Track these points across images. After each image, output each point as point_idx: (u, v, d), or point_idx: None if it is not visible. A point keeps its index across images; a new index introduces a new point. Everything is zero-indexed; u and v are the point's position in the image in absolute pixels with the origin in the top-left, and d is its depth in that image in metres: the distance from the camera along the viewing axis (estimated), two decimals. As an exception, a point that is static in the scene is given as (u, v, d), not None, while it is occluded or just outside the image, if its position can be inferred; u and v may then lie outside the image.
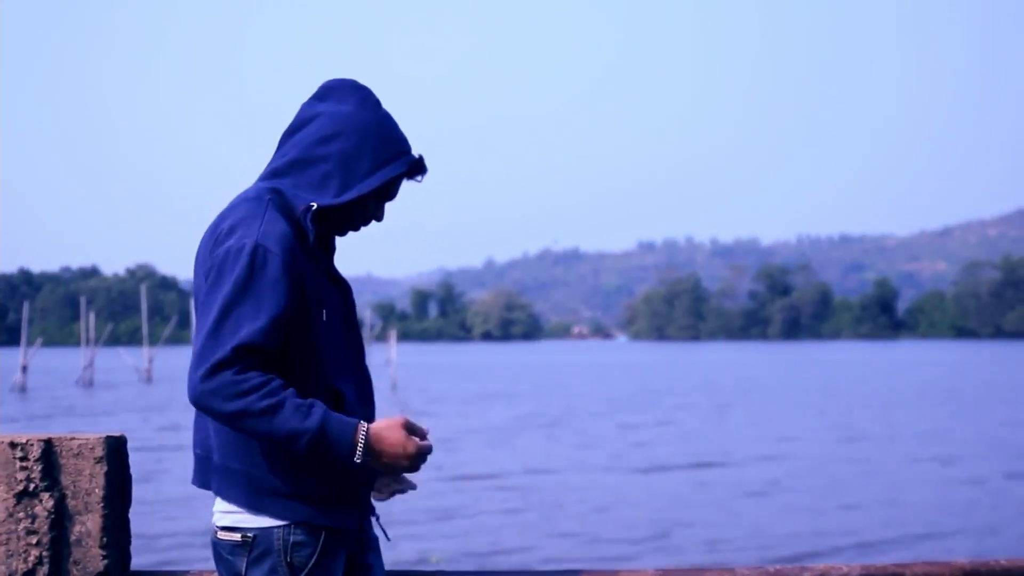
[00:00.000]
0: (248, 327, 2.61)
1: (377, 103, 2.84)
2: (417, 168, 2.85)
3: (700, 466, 19.78)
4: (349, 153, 2.77)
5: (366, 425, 2.64)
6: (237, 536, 2.70)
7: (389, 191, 2.85)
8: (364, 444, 2.61)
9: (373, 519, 2.92)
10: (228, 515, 2.72)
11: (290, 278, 2.67)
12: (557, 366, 76.78)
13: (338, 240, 2.91)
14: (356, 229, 2.88)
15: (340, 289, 2.85)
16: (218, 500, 2.75)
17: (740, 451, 22.17)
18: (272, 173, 2.80)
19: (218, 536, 2.74)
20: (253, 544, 2.69)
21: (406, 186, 2.90)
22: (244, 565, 2.69)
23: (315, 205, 2.74)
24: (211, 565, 2.91)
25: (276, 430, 2.57)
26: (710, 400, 37.77)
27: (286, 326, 2.66)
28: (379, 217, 2.88)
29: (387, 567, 3.00)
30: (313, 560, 2.69)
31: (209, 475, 2.76)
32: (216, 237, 2.71)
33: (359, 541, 2.85)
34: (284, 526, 2.68)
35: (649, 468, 19.64)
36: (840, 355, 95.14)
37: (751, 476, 18.57)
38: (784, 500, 16.19)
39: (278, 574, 2.68)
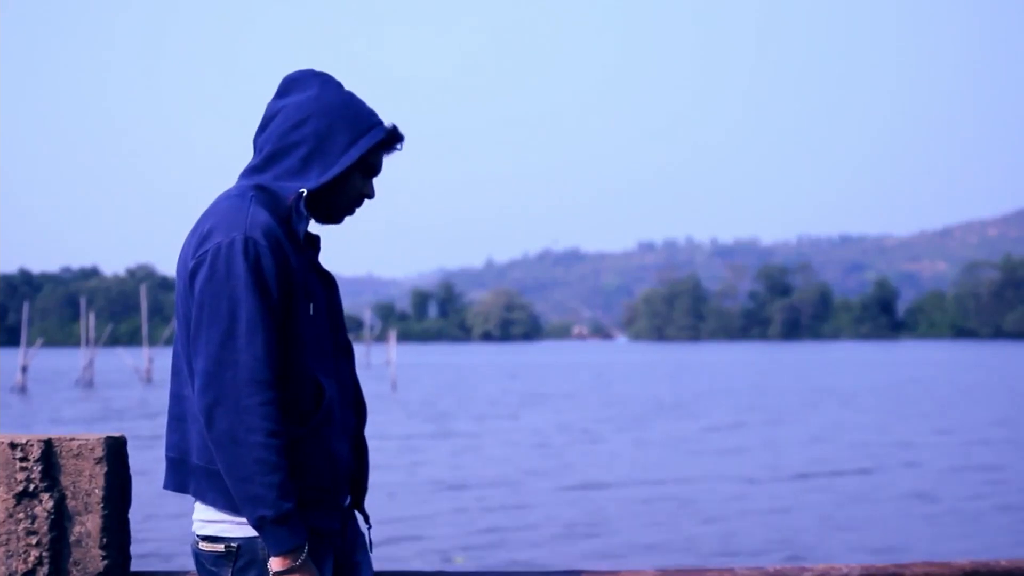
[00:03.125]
0: (263, 337, 2.59)
1: (339, 84, 2.82)
2: (394, 137, 2.82)
3: (823, 474, 18.72)
4: (323, 133, 2.74)
5: (305, 550, 2.59)
6: (220, 547, 2.64)
7: (373, 165, 2.82)
8: (293, 565, 2.57)
9: (366, 528, 2.91)
10: (210, 524, 2.67)
11: (279, 270, 2.64)
12: (574, 367, 75.60)
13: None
14: (350, 212, 2.85)
15: (326, 284, 2.82)
16: (197, 507, 2.70)
17: (854, 455, 21.21)
18: (252, 171, 2.78)
19: (200, 547, 2.68)
20: (237, 554, 2.63)
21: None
22: None
23: (305, 191, 2.71)
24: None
25: (251, 480, 2.54)
26: (767, 401, 36.92)
27: (281, 319, 2.66)
28: (370, 194, 2.85)
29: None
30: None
31: (187, 478, 2.70)
32: (201, 235, 2.67)
33: (346, 540, 2.84)
34: None
35: (772, 476, 18.49)
36: (845, 355, 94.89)
37: (882, 482, 17.81)
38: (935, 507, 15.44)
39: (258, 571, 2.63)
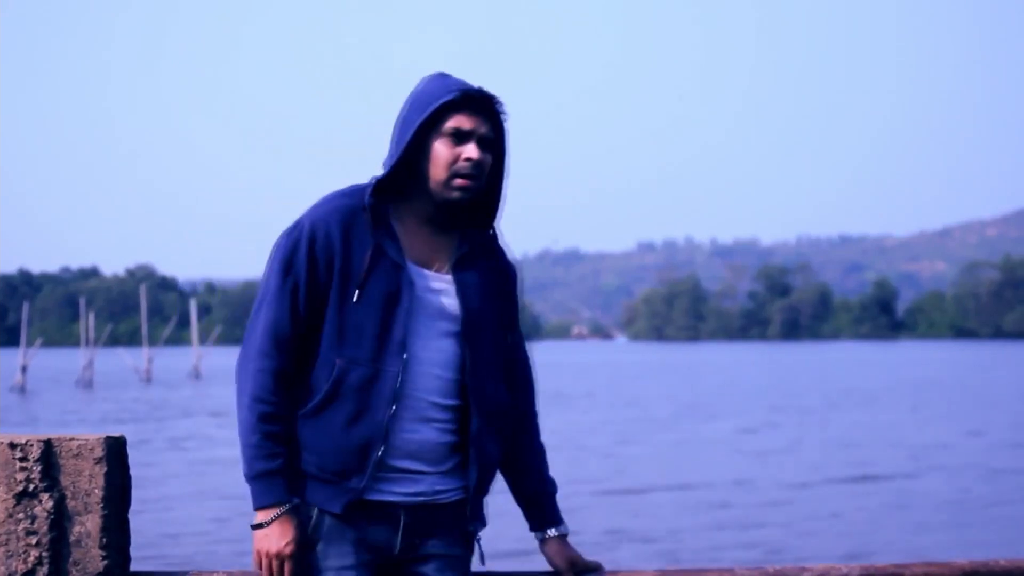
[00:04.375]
0: (275, 311, 2.79)
1: (432, 76, 2.88)
2: (477, 99, 2.82)
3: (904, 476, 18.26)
4: (402, 118, 2.85)
5: (278, 511, 2.76)
6: None
7: (457, 129, 2.82)
8: (263, 521, 2.77)
9: (476, 541, 2.93)
10: None
11: (316, 255, 2.78)
12: (581, 367, 74.88)
13: None
14: (458, 182, 2.82)
15: (396, 274, 2.80)
16: None
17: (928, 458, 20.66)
18: None
19: None
20: None
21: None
22: None
23: (375, 178, 2.83)
24: (211, 566, 2.91)
25: (240, 437, 2.80)
26: (791, 401, 36.40)
27: (308, 300, 2.80)
28: (471, 154, 2.81)
29: None
30: (320, 540, 2.80)
31: None
32: None
33: (411, 549, 2.84)
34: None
35: (850, 478, 17.98)
36: (846, 355, 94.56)
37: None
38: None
39: None
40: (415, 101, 2.83)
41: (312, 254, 2.77)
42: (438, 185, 2.82)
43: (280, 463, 2.75)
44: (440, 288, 2.85)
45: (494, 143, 2.87)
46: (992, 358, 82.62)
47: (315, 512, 2.80)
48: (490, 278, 2.92)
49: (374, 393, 2.78)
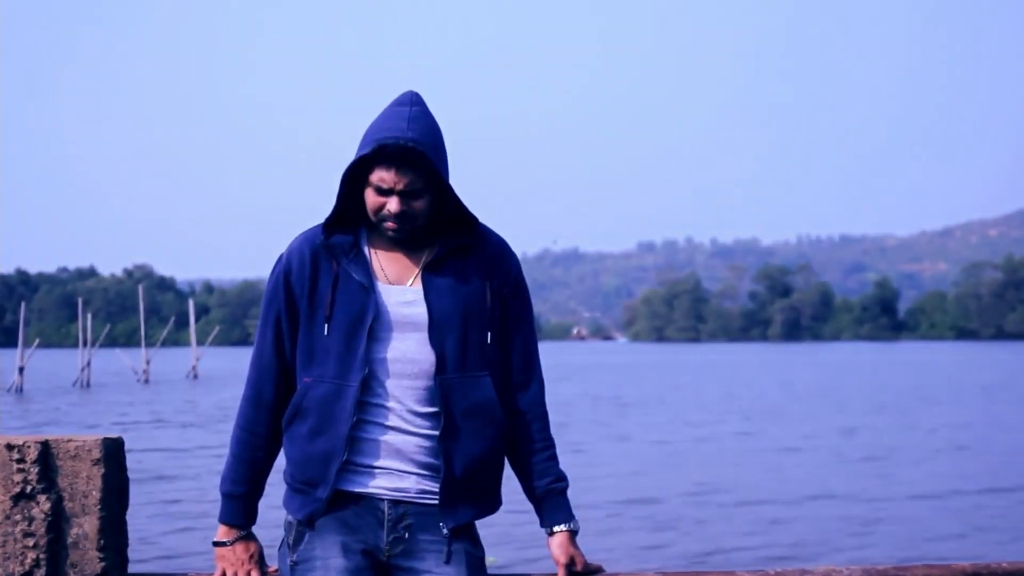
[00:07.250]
0: (258, 342, 2.96)
1: (387, 107, 2.87)
2: (390, 152, 2.78)
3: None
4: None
5: (237, 534, 2.96)
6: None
7: (375, 185, 2.83)
8: (225, 540, 2.97)
9: (444, 532, 2.88)
10: None
11: (289, 284, 2.91)
12: (589, 368, 74.45)
13: None
14: (386, 226, 2.87)
15: (362, 294, 2.86)
16: None
17: None
18: None
19: None
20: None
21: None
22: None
23: (329, 216, 2.93)
24: (208, 568, 2.92)
25: (228, 451, 3.00)
26: (855, 403, 35.03)
27: (290, 327, 2.93)
28: (390, 207, 2.83)
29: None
30: (302, 543, 2.87)
31: None
32: None
33: (399, 543, 2.86)
34: None
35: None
36: (851, 356, 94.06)
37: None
38: None
39: (284, 550, 2.94)
40: (362, 137, 2.85)
41: (288, 284, 2.90)
42: (374, 225, 2.90)
43: (244, 490, 2.94)
44: (410, 300, 2.88)
45: (428, 184, 2.84)
46: (1001, 359, 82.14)
47: (295, 521, 2.90)
48: (467, 277, 2.93)
49: (337, 407, 2.84)
